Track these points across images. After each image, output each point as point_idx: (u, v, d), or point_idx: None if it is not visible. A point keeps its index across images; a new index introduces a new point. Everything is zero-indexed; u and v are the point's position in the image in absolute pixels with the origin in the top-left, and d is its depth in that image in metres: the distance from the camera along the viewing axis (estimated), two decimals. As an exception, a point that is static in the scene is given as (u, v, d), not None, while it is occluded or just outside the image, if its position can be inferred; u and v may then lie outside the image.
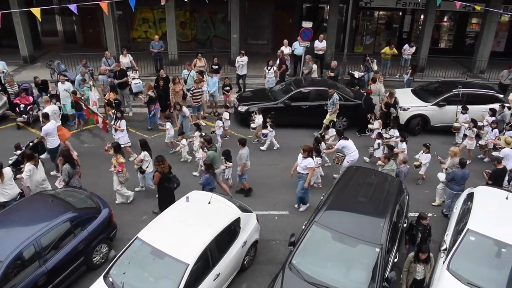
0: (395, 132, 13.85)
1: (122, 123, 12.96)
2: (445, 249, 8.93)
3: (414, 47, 21.26)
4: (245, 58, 18.57)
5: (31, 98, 15.58)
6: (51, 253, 8.37)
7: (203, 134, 12.80)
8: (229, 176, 12.13)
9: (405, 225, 9.80)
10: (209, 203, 8.99)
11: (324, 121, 15.27)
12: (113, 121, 13.09)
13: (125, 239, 9.17)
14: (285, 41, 19.70)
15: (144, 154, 11.31)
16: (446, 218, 11.31)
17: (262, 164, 13.56)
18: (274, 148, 14.56)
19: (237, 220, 9.01)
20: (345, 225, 8.49)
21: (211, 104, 17.12)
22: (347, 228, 8.41)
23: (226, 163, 11.70)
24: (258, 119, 14.58)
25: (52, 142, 12.22)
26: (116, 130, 12.96)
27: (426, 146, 12.51)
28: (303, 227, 8.96)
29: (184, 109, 14.05)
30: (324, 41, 20.04)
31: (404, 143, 13.03)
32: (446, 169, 11.52)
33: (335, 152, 12.57)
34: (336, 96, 14.99)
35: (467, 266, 8.44)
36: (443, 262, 8.61)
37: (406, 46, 21.12)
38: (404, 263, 8.43)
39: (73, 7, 12.17)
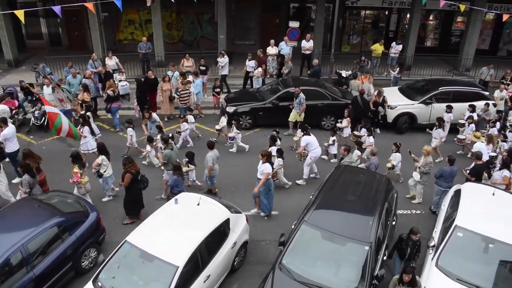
0: (364, 131, 13.84)
1: (85, 130, 12.58)
2: (433, 246, 8.99)
3: (401, 45, 21.40)
4: (226, 59, 18.57)
5: (16, 102, 15.40)
6: (39, 259, 8.27)
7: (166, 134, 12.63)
8: (193, 178, 11.97)
9: (394, 222, 9.87)
10: (198, 204, 8.96)
11: (290, 119, 15.30)
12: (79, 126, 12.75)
13: (114, 243, 9.08)
14: (272, 41, 19.70)
15: (101, 158, 10.99)
16: (434, 215, 11.43)
17: (252, 164, 13.53)
18: (246, 151, 14.38)
19: (227, 221, 8.99)
20: (334, 224, 8.51)
21: (197, 106, 17.06)
22: (336, 226, 8.44)
23: (188, 165, 11.53)
24: (222, 121, 14.48)
25: (11, 147, 11.95)
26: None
27: (396, 145, 12.49)
28: (293, 226, 8.96)
29: (154, 115, 13.78)
30: (311, 41, 20.09)
31: (371, 137, 13.32)
32: (419, 167, 11.53)
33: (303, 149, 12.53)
34: (302, 95, 14.96)
35: (455, 262, 8.50)
36: (432, 259, 8.67)
37: (393, 44, 21.25)
38: (389, 286, 8.03)
39: (57, 9, 12.07)
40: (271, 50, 19.63)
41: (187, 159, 11.65)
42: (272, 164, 10.99)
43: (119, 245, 8.25)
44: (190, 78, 16.25)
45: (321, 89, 16.18)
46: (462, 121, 14.61)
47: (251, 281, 9.18)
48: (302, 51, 20.10)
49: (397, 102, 16.09)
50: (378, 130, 16.15)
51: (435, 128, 13.96)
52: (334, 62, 19.67)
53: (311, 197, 9.82)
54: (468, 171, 11.40)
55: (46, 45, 24.00)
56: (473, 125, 14.10)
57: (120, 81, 16.74)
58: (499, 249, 8.53)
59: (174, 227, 8.50)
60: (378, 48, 20.90)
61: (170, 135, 12.67)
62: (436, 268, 8.43)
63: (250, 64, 18.05)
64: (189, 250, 7.86)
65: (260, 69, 18.19)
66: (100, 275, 7.89)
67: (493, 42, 25.20)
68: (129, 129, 13.31)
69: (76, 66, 17.55)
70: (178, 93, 15.43)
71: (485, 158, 12.06)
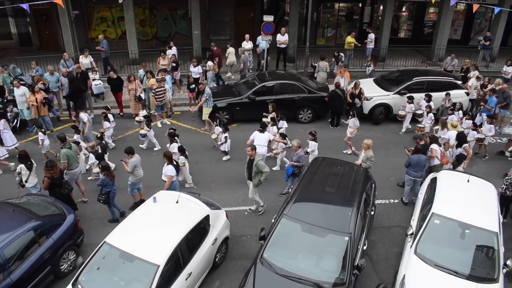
0: (283, 124, 13.75)
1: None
2: (411, 234, 9.13)
3: (373, 34, 21.55)
4: (173, 51, 18.58)
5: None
6: (16, 264, 8.12)
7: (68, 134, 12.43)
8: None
9: (372, 212, 9.99)
10: (177, 202, 8.89)
11: (203, 118, 15.17)
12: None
13: (93, 244, 8.96)
14: (247, 36, 19.70)
15: (20, 167, 10.51)
16: (406, 206, 11.65)
17: (230, 160, 13.54)
18: (155, 148, 14.08)
19: (206, 218, 8.95)
20: (313, 216, 8.57)
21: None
22: (315, 219, 8.49)
23: (99, 167, 11.05)
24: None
25: None
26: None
27: (311, 134, 12.53)
28: (273, 220, 8.98)
29: (82, 115, 13.41)
30: (286, 35, 20.11)
31: (274, 127, 13.38)
32: (361, 164, 11.37)
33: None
34: (208, 91, 14.81)
35: (433, 249, 8.66)
36: (410, 247, 8.81)
37: (369, 35, 21.43)
38: None
39: (25, 6, 11.77)
40: (247, 45, 19.60)
41: (97, 161, 11.28)
42: (177, 166, 10.76)
43: (98, 246, 8.14)
44: (159, 76, 15.97)
45: (298, 83, 16.22)
46: (419, 111, 14.88)
47: (234, 277, 9.20)
48: (277, 45, 20.11)
49: (372, 93, 16.25)
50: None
51: (350, 117, 14.04)
52: (309, 55, 19.74)
53: (290, 190, 9.84)
54: (410, 151, 11.69)
55: (16, 45, 23.41)
56: (431, 114, 14.37)
57: (93, 80, 16.46)
58: (475, 234, 8.74)
59: (154, 226, 8.41)
60: (350, 39, 21.02)
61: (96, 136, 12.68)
62: (415, 255, 8.57)
63: (195, 70, 17.53)
64: (169, 249, 7.80)
65: (210, 62, 17.98)
66: (80, 278, 7.76)
67: (465, 32, 25.65)
68: (40, 133, 12.81)
69: (52, 65, 17.13)
70: (154, 91, 15.25)
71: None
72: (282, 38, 19.96)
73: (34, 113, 14.46)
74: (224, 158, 13.64)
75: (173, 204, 8.88)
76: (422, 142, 11.60)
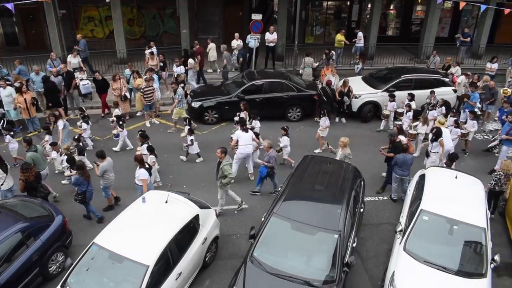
0: (256, 124, 13.64)
1: None
2: (400, 230, 9.18)
3: (361, 32, 21.66)
4: (153, 50, 18.42)
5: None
6: (3, 266, 8.03)
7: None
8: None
9: (362, 210, 10.03)
10: (166, 202, 8.86)
11: (173, 117, 15.06)
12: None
13: (82, 246, 8.88)
14: (236, 35, 19.67)
15: None
16: (395, 203, 11.73)
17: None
18: (127, 148, 13.94)
19: (196, 218, 8.92)
20: (303, 214, 8.58)
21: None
22: (305, 217, 8.51)
23: (70, 171, 11.07)
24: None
25: None
26: None
27: (284, 129, 12.67)
28: (263, 219, 8.99)
29: (59, 122, 13.13)
30: (275, 33, 20.12)
31: (258, 121, 13.42)
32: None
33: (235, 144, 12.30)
34: (180, 91, 14.73)
35: (422, 245, 8.73)
36: (400, 243, 8.87)
37: (357, 33, 21.52)
38: None
39: (10, 5, 11.62)
40: (236, 43, 19.56)
41: (68, 164, 11.07)
42: (149, 168, 10.59)
43: (87, 248, 8.09)
44: (147, 76, 15.86)
45: (286, 81, 16.23)
46: (400, 110, 14.97)
47: (224, 276, 9.18)
48: (266, 43, 20.11)
49: (361, 91, 16.31)
50: (343, 120, 16.37)
51: (321, 115, 14.06)
52: (298, 53, 19.77)
53: (279, 188, 9.85)
54: (386, 150, 11.80)
55: (2, 45, 23.13)
56: (410, 113, 14.39)
57: (81, 79, 16.32)
58: (463, 230, 8.83)
59: (143, 226, 8.36)
60: (340, 37, 21.09)
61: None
62: (404, 252, 8.63)
63: (178, 70, 17.42)
64: (159, 249, 7.77)
65: (191, 60, 17.92)
66: (69, 279, 7.71)
67: (452, 30, 25.82)
68: (8, 136, 12.57)
69: (38, 65, 16.96)
70: (142, 90, 15.17)
71: (448, 142, 12.44)
72: (271, 37, 19.96)
73: (25, 115, 14.29)
74: (198, 160, 13.49)
75: (162, 204, 8.85)
76: (398, 140, 11.66)
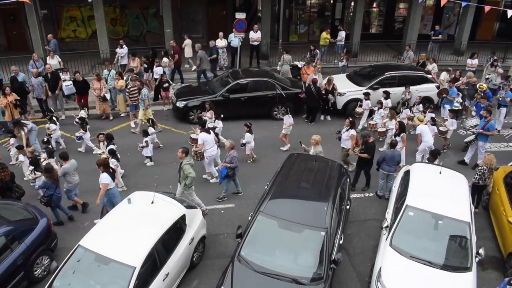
0: (218, 123, 13.53)
1: None
2: (386, 227, 9.26)
3: (344, 32, 21.79)
4: (124, 50, 18.36)
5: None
6: (-13, 270, 7.90)
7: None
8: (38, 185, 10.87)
9: (348, 207, 10.08)
10: (152, 202, 8.80)
11: (140, 118, 14.86)
12: None
13: (68, 248, 8.75)
14: (220, 34, 19.64)
15: None
16: (381, 199, 11.82)
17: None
18: (94, 152, 13.55)
19: (182, 218, 8.88)
20: (289, 212, 8.60)
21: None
22: (292, 215, 8.53)
23: (34, 173, 10.77)
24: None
25: None
26: None
27: (247, 126, 12.79)
28: (249, 218, 8.99)
29: (27, 122, 12.96)
30: (259, 32, 20.11)
31: (220, 121, 13.37)
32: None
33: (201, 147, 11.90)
34: (144, 91, 14.59)
35: (408, 241, 8.82)
36: (386, 239, 8.94)
37: (340, 33, 21.64)
38: None
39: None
40: (220, 42, 19.54)
41: (32, 167, 10.82)
42: (112, 172, 10.35)
43: (72, 250, 7.99)
44: (121, 82, 15.65)
45: (271, 80, 16.25)
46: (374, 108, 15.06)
47: (212, 276, 9.16)
48: (250, 42, 20.09)
49: (345, 88, 16.39)
50: (328, 117, 16.44)
51: (283, 113, 14.04)
52: (282, 52, 19.79)
53: (266, 187, 9.86)
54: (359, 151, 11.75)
55: (-17, 47, 22.78)
56: (382, 110, 14.45)
57: (64, 80, 16.10)
58: (448, 224, 8.94)
59: (129, 227, 8.29)
60: (325, 36, 21.19)
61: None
62: (390, 247, 8.70)
63: (157, 71, 17.15)
64: (145, 250, 7.72)
65: (165, 59, 17.83)
66: (54, 283, 7.60)
67: (434, 27, 26.05)
68: None
69: (18, 67, 16.68)
70: (127, 90, 15.05)
71: (428, 139, 12.66)
72: (255, 35, 19.95)
73: (8, 117, 14.06)
74: (148, 164, 13.23)
75: (148, 205, 8.78)
76: (371, 140, 11.72)
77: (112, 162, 11.14)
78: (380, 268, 8.40)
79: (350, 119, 12.67)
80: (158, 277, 7.88)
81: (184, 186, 10.36)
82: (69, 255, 7.95)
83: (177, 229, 8.70)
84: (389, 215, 9.82)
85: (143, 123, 14.73)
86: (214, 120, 13.63)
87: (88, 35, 22.98)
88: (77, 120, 13.73)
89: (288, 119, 13.82)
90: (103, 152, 12.07)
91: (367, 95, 15.38)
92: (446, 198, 9.51)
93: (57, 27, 22.60)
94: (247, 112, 15.93)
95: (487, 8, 17.51)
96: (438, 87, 16.66)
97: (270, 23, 21.64)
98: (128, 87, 15.14)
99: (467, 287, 8.00)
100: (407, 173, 10.69)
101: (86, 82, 15.93)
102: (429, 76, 16.98)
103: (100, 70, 18.67)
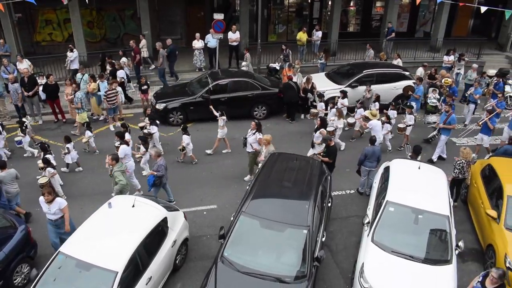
0: (153, 129, 13.15)
1: None
2: (368, 222, 9.35)
3: (320, 32, 21.94)
4: (74, 53, 18.11)
5: None
6: (-36, 281, 7.74)
7: None
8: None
9: (329, 204, 10.14)
10: (133, 206, 8.71)
11: (78, 120, 14.70)
12: None
13: (48, 255, 8.63)
14: (197, 35, 19.57)
15: None
16: (362, 196, 11.93)
17: (186, 162, 13.40)
18: (35, 156, 13.26)
19: (164, 220, 8.82)
20: (272, 212, 8.62)
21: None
22: (274, 214, 8.54)
23: None
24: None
25: None
26: None
27: (183, 129, 12.79)
28: (232, 218, 8.97)
29: None
30: (237, 32, 20.10)
31: (155, 127, 12.87)
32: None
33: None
34: (78, 95, 14.39)
35: (389, 236, 8.92)
36: (368, 235, 9.02)
37: (314, 31, 21.80)
38: None
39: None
40: (197, 43, 19.48)
41: None
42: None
43: (53, 257, 7.86)
44: (93, 85, 15.47)
45: (251, 80, 16.27)
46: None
47: (196, 278, 9.11)
48: (229, 43, 20.07)
49: (325, 87, 16.49)
50: (308, 116, 16.49)
51: (219, 115, 13.56)
52: (261, 52, 19.83)
53: (247, 187, 9.86)
54: (321, 155, 11.69)
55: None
56: (334, 110, 14.25)
57: (41, 85, 15.84)
58: (428, 219, 9.08)
59: (110, 232, 8.20)
60: (302, 36, 21.29)
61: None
62: (372, 243, 8.79)
63: (119, 74, 16.73)
64: (127, 254, 7.64)
65: (124, 58, 17.73)
66: (35, 291, 7.49)
67: (411, 25, 26.48)
68: None
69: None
70: (105, 93, 14.89)
71: (380, 135, 12.92)
72: (234, 36, 19.93)
73: None
74: (63, 169, 12.73)
75: (129, 208, 8.69)
76: (333, 144, 11.76)
77: (49, 171, 10.99)
78: (363, 264, 8.47)
79: (256, 121, 12.26)
80: (141, 281, 7.80)
81: (116, 193, 10.02)
82: (49, 262, 7.81)
83: (159, 232, 8.64)
84: (370, 211, 9.92)
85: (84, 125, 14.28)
86: (149, 125, 13.16)
87: (65, 38, 22.62)
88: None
89: (223, 121, 13.42)
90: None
91: (320, 96, 15.35)
92: (425, 192, 9.64)
93: (32, 31, 22.22)
94: (227, 113, 15.84)
95: (461, 4, 17.82)
96: (414, 83, 16.87)
97: (248, 23, 21.65)
98: (106, 90, 14.97)
99: (448, 279, 8.12)
100: (387, 169, 10.81)
101: (57, 86, 15.64)
102: (407, 73, 17.20)
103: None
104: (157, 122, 13.40)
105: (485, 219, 9.98)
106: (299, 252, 8.14)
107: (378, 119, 13.44)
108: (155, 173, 10.60)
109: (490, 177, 10.88)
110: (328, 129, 13.00)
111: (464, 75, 18.84)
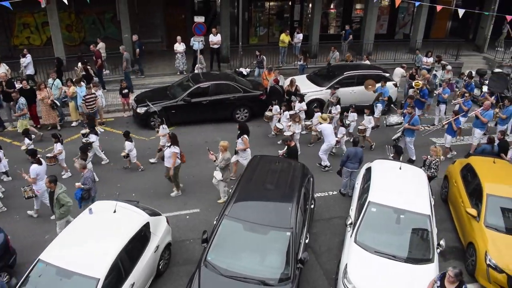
0: (91, 137, 12.74)
1: None
2: (351, 223, 9.40)
3: (301, 34, 22.04)
4: (27, 59, 17.74)
5: None
6: None
7: None
8: None
9: (312, 206, 10.17)
10: (115, 212, 8.59)
11: (18, 126, 14.32)
12: None
13: (29, 263, 8.43)
14: (178, 38, 19.47)
15: None
16: (345, 197, 11.98)
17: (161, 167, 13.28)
18: None
19: (146, 226, 8.72)
20: (254, 214, 8.60)
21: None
22: (257, 217, 8.53)
23: None
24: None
25: None
26: None
27: (125, 135, 12.59)
28: (215, 222, 8.92)
29: None
30: (219, 35, 20.04)
31: (58, 143, 12.17)
32: (218, 167, 11.12)
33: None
34: (21, 100, 14.14)
35: (372, 236, 8.99)
36: (351, 236, 9.07)
37: (295, 34, 21.88)
38: None
39: None
40: (179, 46, 19.37)
41: None
42: None
43: (32, 265, 7.69)
44: (72, 89, 15.25)
45: (232, 82, 16.25)
46: (292, 112, 14.86)
47: (179, 283, 9.05)
48: (210, 46, 20.01)
49: (306, 89, 16.55)
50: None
51: (159, 123, 13.33)
52: (243, 54, 19.81)
53: (230, 190, 9.82)
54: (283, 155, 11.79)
55: None
56: (287, 113, 14.29)
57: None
58: (410, 218, 9.18)
59: (91, 238, 8.06)
60: (284, 38, 21.36)
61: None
62: (355, 244, 8.84)
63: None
64: (109, 260, 7.53)
65: (79, 64, 17.39)
66: (14, 300, 7.33)
67: (390, 27, 26.79)
68: None
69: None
70: (83, 98, 14.69)
71: (331, 139, 12.91)
72: (215, 39, 19.88)
73: None
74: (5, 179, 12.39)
75: (111, 214, 8.56)
76: (293, 144, 11.82)
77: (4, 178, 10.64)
78: (346, 264, 8.51)
79: (171, 134, 11.76)
80: (124, 288, 7.71)
81: (59, 215, 9.55)
82: (28, 270, 7.65)
83: (141, 238, 8.54)
84: (353, 212, 9.97)
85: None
86: (87, 135, 12.76)
87: (43, 42, 22.26)
88: None
89: (163, 130, 12.94)
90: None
91: (301, 97, 15.16)
92: (406, 192, 9.75)
93: (9, 34, 21.81)
94: (210, 116, 15.88)
95: (439, 7, 18.09)
96: (396, 85, 17.08)
97: (229, 26, 21.61)
98: (85, 95, 14.78)
99: (430, 278, 8.18)
100: (368, 170, 10.89)
101: (33, 90, 15.36)
102: (387, 74, 17.38)
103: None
104: (98, 131, 12.96)
105: (466, 217, 10.14)
106: (283, 255, 8.13)
107: (329, 123, 13.31)
108: (82, 186, 9.90)
109: (469, 176, 11.06)
110: (285, 133, 13.16)
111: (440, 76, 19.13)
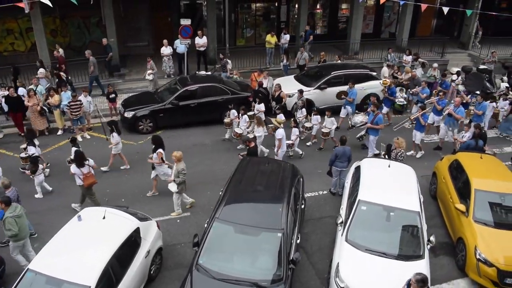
0: (30, 150, 12.21)
1: None
2: (341, 222, 9.42)
3: (288, 35, 22.07)
4: None
5: None
6: None
7: None
8: None
9: (303, 206, 10.18)
10: (104, 218, 8.50)
11: None
12: None
13: (18, 273, 8.29)
14: (165, 41, 19.38)
15: None
16: (335, 196, 12.03)
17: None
18: None
19: (136, 231, 8.66)
20: (245, 216, 8.59)
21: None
22: (247, 218, 8.51)
23: None
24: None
25: None
26: None
27: (72, 141, 12.26)
28: (205, 225, 8.88)
29: None
30: (205, 37, 20.01)
31: (32, 147, 12.08)
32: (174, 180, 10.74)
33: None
34: None
35: (363, 234, 9.02)
36: (341, 235, 9.10)
37: (282, 35, 21.92)
38: None
39: None
40: (166, 50, 19.30)
41: None
42: None
43: (21, 275, 7.58)
44: (56, 97, 15.01)
45: (220, 85, 16.22)
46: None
47: (171, 287, 9.00)
48: (196, 48, 19.97)
49: (293, 90, 16.53)
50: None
51: (111, 132, 12.85)
52: (230, 56, 19.78)
53: (220, 193, 9.79)
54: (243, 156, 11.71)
55: None
56: (245, 116, 14.23)
57: (3, 97, 15.37)
58: (399, 215, 9.24)
59: (81, 245, 7.96)
60: (270, 39, 21.37)
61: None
62: (346, 242, 8.86)
63: (20, 92, 15.58)
64: (99, 267, 7.45)
65: (42, 69, 17.08)
66: (3, 311, 7.23)
67: (376, 26, 26.97)
68: None
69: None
70: (68, 104, 14.56)
71: (282, 142, 12.72)
72: (201, 41, 19.84)
73: None
74: None
75: (100, 221, 8.47)
76: (252, 144, 11.82)
77: None
78: (338, 263, 8.54)
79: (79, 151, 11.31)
80: (115, 294, 7.64)
81: (6, 240, 9.24)
82: (17, 280, 7.53)
83: (131, 243, 8.48)
84: (343, 211, 10.00)
85: None
86: (26, 148, 12.40)
87: (27, 48, 22.03)
88: None
89: (114, 138, 12.77)
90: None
91: (260, 98, 15.10)
92: (396, 190, 9.83)
93: (-7, 41, 21.56)
94: (198, 118, 15.82)
95: (424, 6, 18.24)
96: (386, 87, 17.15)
97: (216, 28, 21.58)
98: (69, 101, 14.66)
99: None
100: (357, 168, 10.94)
101: (20, 98, 15.18)
102: (374, 73, 17.48)
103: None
104: (35, 142, 12.54)
105: (454, 213, 10.22)
106: (275, 256, 8.12)
107: (282, 127, 13.14)
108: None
109: (457, 172, 11.16)
110: (249, 135, 13.20)
111: (424, 74, 19.24)
